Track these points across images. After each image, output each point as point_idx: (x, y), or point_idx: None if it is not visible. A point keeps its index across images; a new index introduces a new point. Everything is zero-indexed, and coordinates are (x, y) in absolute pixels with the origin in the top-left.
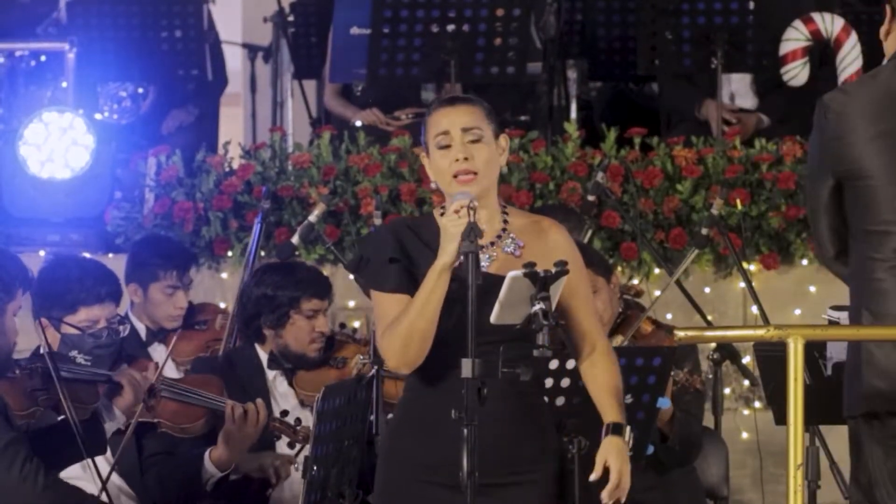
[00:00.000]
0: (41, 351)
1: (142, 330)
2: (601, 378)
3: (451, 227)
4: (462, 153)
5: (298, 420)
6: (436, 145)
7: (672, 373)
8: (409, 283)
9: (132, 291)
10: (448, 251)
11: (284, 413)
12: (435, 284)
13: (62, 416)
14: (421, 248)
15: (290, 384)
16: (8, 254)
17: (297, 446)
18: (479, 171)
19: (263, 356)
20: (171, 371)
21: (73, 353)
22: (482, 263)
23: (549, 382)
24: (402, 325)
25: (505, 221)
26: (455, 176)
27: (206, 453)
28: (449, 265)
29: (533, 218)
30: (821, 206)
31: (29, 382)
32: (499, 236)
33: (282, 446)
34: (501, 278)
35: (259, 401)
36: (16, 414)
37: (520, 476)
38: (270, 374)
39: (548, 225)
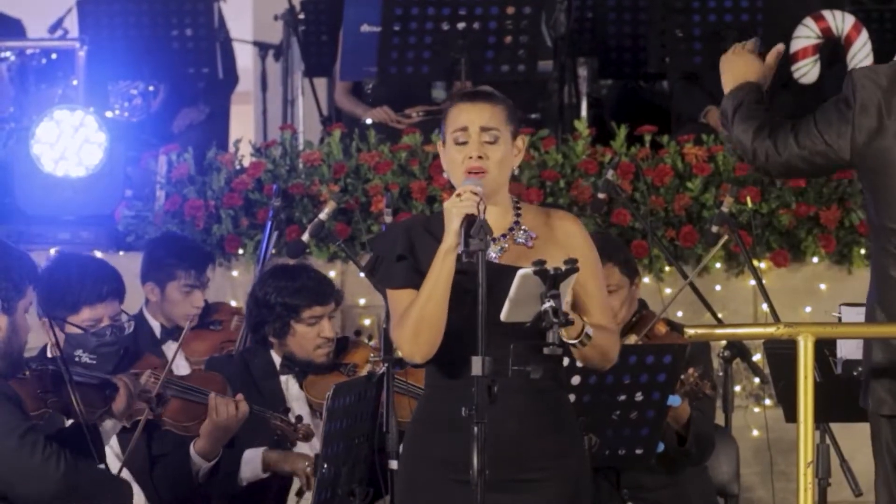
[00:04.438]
0: (48, 352)
1: (156, 328)
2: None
3: (452, 208)
4: (477, 151)
5: (300, 418)
6: (453, 139)
7: (683, 376)
8: (419, 278)
9: (149, 290)
10: (450, 231)
11: (286, 411)
12: (441, 267)
13: (70, 420)
14: (431, 244)
15: (301, 387)
16: (15, 251)
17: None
18: (491, 170)
19: (277, 359)
20: (183, 370)
21: (79, 352)
22: (493, 255)
23: None
24: (412, 313)
25: (517, 215)
26: (467, 171)
27: (191, 445)
28: (452, 246)
29: (545, 211)
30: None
31: (39, 384)
32: (511, 228)
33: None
34: (513, 269)
35: (239, 395)
36: None
37: (540, 472)
38: (283, 376)
39: (560, 216)
